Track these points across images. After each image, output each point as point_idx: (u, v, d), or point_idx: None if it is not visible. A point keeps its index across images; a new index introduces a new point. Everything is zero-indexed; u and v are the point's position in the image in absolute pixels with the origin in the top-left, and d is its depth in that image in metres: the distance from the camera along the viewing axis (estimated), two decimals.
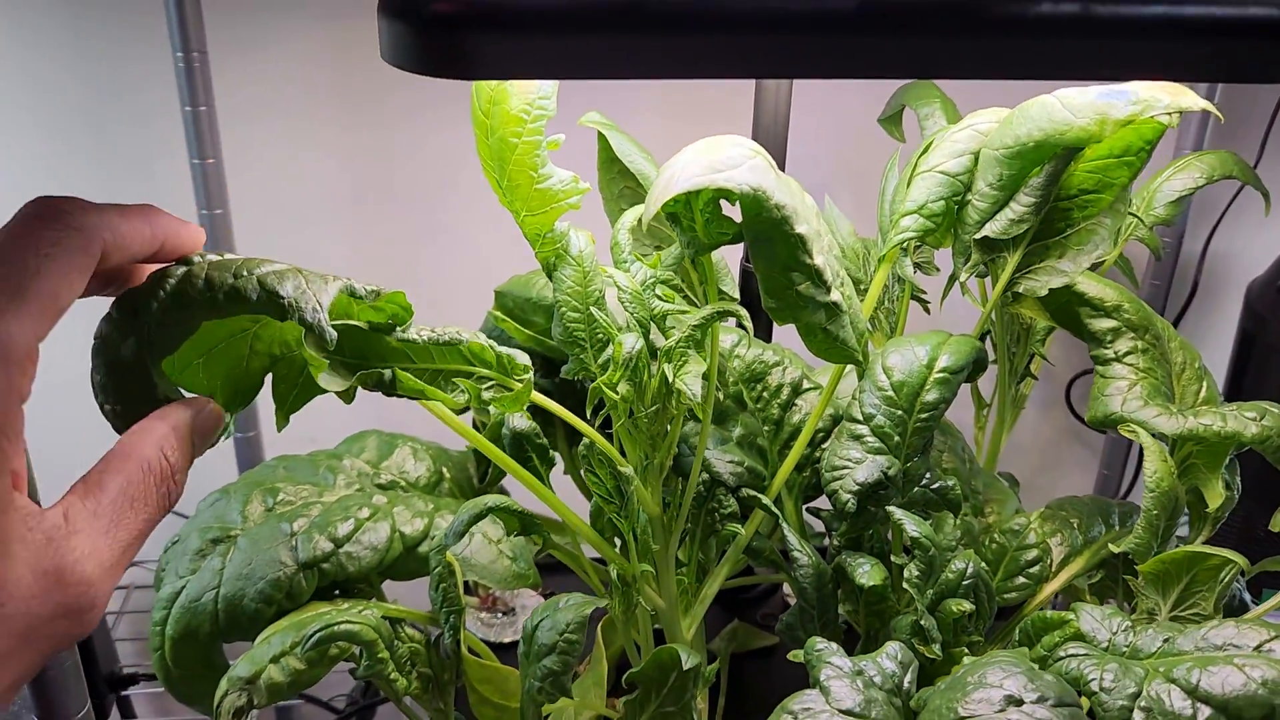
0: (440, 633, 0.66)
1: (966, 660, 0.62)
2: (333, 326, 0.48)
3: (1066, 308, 0.76)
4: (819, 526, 0.77)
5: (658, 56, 0.53)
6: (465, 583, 0.92)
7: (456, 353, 0.56)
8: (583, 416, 0.79)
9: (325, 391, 0.53)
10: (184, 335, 0.48)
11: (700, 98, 1.04)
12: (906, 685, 0.59)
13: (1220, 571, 0.68)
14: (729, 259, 0.79)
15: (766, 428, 0.75)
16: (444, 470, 0.78)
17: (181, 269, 0.47)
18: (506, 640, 0.88)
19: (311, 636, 0.61)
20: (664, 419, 0.64)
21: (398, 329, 0.53)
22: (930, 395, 0.69)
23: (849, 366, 0.73)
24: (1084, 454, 1.30)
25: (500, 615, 0.91)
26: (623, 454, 0.64)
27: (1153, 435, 0.71)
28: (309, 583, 0.67)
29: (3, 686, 0.38)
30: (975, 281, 0.88)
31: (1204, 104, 0.59)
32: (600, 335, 0.64)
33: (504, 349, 0.58)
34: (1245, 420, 0.70)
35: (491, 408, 0.57)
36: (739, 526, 0.69)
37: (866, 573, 0.67)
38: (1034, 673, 0.55)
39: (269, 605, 0.66)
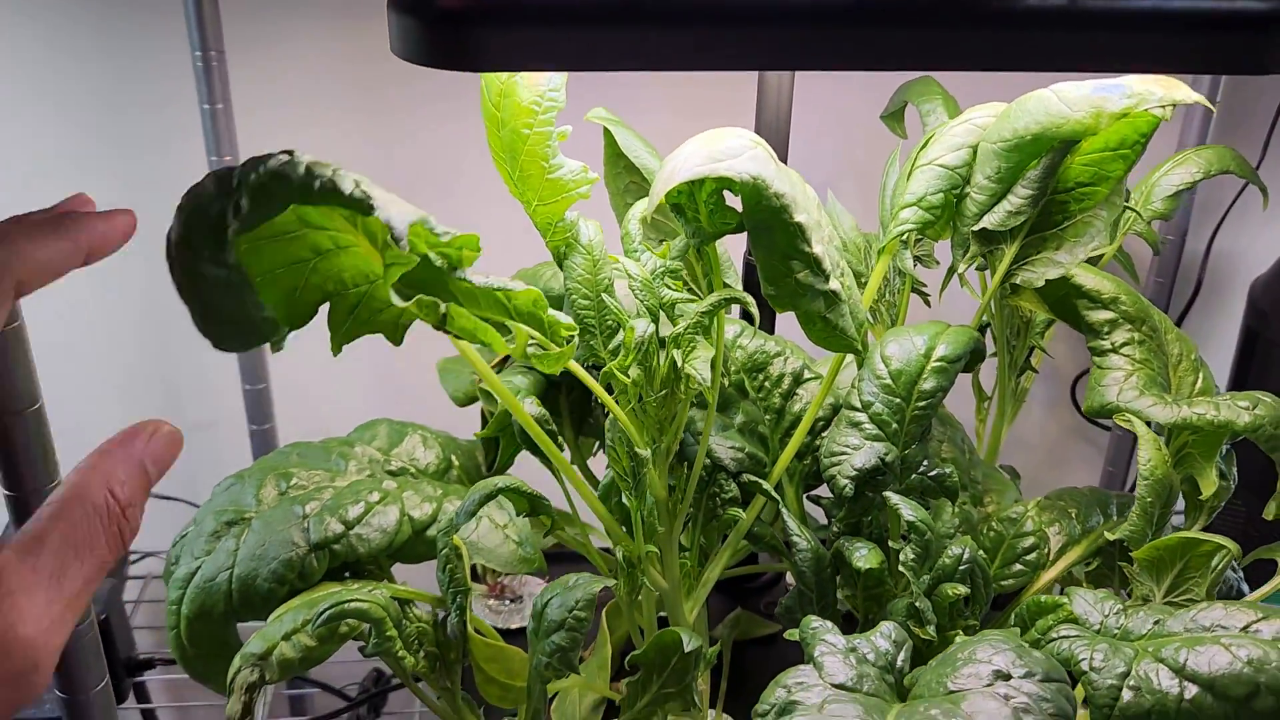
0: (447, 613, 0.68)
1: (959, 640, 0.63)
2: (412, 257, 0.50)
3: (1065, 300, 0.78)
4: (824, 519, 0.79)
5: (660, 49, 0.55)
6: (473, 570, 0.94)
7: (501, 305, 0.57)
8: (582, 414, 0.81)
9: (374, 330, 0.56)
10: (267, 216, 0.49)
11: (705, 94, 1.06)
12: (900, 663, 0.60)
13: (1212, 557, 0.69)
14: (733, 253, 0.80)
15: (768, 416, 0.76)
16: (453, 458, 0.80)
17: (285, 155, 0.50)
18: (514, 626, 0.90)
19: (322, 614, 0.63)
20: (672, 404, 0.66)
21: (459, 269, 0.55)
22: (927, 384, 0.70)
23: (849, 357, 0.75)
24: (1089, 451, 1.31)
25: (508, 602, 0.92)
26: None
27: (1148, 425, 0.73)
28: (320, 563, 0.68)
29: None
30: (975, 274, 0.90)
31: (1197, 97, 0.60)
32: (610, 321, 0.65)
33: (554, 313, 0.59)
34: (1238, 409, 0.71)
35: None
36: (740, 511, 0.70)
37: (864, 556, 0.68)
38: (1023, 649, 0.57)
39: (281, 585, 0.68)
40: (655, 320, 0.65)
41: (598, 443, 0.82)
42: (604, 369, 0.63)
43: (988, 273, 0.77)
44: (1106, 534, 0.75)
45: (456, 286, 0.56)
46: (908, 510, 0.67)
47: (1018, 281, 0.72)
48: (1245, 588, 0.80)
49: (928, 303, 0.85)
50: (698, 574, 0.72)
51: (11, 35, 0.99)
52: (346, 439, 0.79)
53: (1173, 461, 0.76)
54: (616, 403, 0.65)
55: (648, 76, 1.04)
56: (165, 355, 1.13)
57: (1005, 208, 0.69)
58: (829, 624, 0.60)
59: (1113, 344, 0.76)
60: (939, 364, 0.70)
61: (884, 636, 0.61)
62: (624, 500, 0.66)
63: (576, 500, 0.74)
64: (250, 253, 0.54)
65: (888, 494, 0.69)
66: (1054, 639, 0.63)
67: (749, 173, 0.58)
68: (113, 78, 1.01)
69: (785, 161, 0.81)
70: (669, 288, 0.66)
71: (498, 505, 0.75)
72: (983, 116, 0.70)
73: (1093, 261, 0.93)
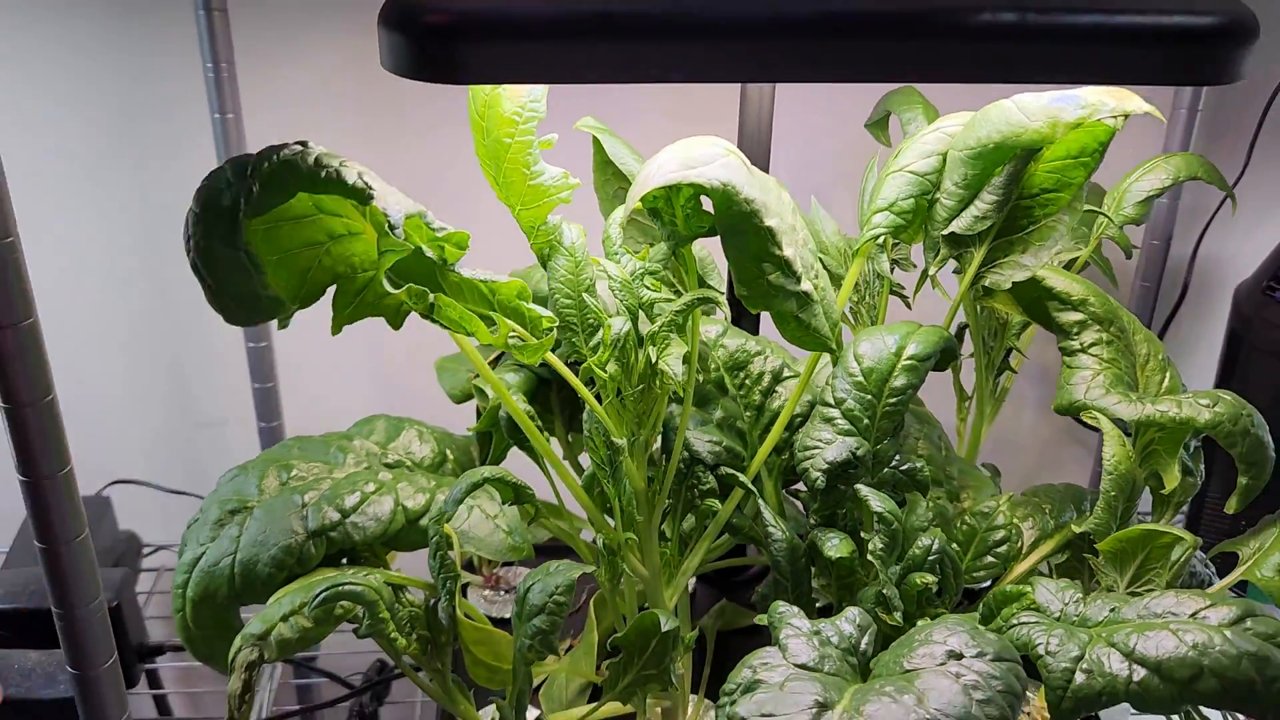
0: (438, 598, 0.71)
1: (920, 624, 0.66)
2: (406, 245, 0.55)
3: (1037, 302, 0.81)
4: (806, 513, 0.82)
5: (632, 62, 0.58)
6: (469, 562, 0.97)
7: (486, 298, 0.62)
8: (573, 411, 0.85)
9: (375, 314, 0.60)
10: (278, 201, 0.54)
11: (698, 99, 1.09)
12: (864, 647, 0.63)
13: (1172, 549, 0.72)
14: (719, 257, 0.84)
15: (748, 413, 0.79)
16: (448, 452, 0.84)
17: (297, 145, 0.54)
18: (508, 616, 0.93)
19: (319, 596, 0.67)
20: (649, 398, 0.69)
21: (449, 263, 0.59)
22: (898, 381, 0.73)
23: (827, 356, 0.78)
24: (1080, 452, 1.34)
25: (503, 593, 0.96)
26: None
27: (1113, 421, 0.75)
28: (318, 550, 0.72)
29: None
30: (954, 277, 0.92)
31: (1147, 107, 0.63)
32: (591, 320, 0.69)
33: (534, 307, 0.63)
34: (1199, 407, 0.74)
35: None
36: (716, 502, 0.73)
37: (835, 546, 0.71)
38: (977, 632, 0.60)
39: (281, 570, 0.71)
40: (634, 319, 0.68)
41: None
42: (583, 365, 0.67)
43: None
44: (1074, 527, 0.77)
45: (446, 278, 0.60)
46: (876, 501, 0.70)
47: (987, 284, 0.75)
48: (1212, 574, 0.83)
49: (908, 305, 0.88)
50: (678, 563, 0.75)
51: (38, 47, 1.03)
52: (346, 433, 0.83)
53: (1140, 458, 0.78)
54: (597, 397, 0.68)
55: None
56: (179, 356, 1.18)
57: (972, 213, 0.72)
58: (795, 609, 0.63)
59: (1081, 344, 0.79)
60: (909, 362, 0.73)
61: (849, 621, 0.64)
62: (605, 490, 0.69)
63: (565, 494, 0.77)
64: (268, 234, 0.59)
65: (859, 487, 0.72)
66: (1014, 625, 0.66)
67: (720, 179, 0.61)
68: (130, 88, 1.05)
69: (768, 169, 0.84)
70: (648, 288, 0.69)
71: (489, 497, 0.79)
72: (952, 125, 0.73)
73: (1069, 266, 0.96)
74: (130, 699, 0.83)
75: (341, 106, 1.07)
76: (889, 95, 0.95)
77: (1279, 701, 0.59)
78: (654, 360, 0.66)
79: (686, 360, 0.68)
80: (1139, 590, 0.74)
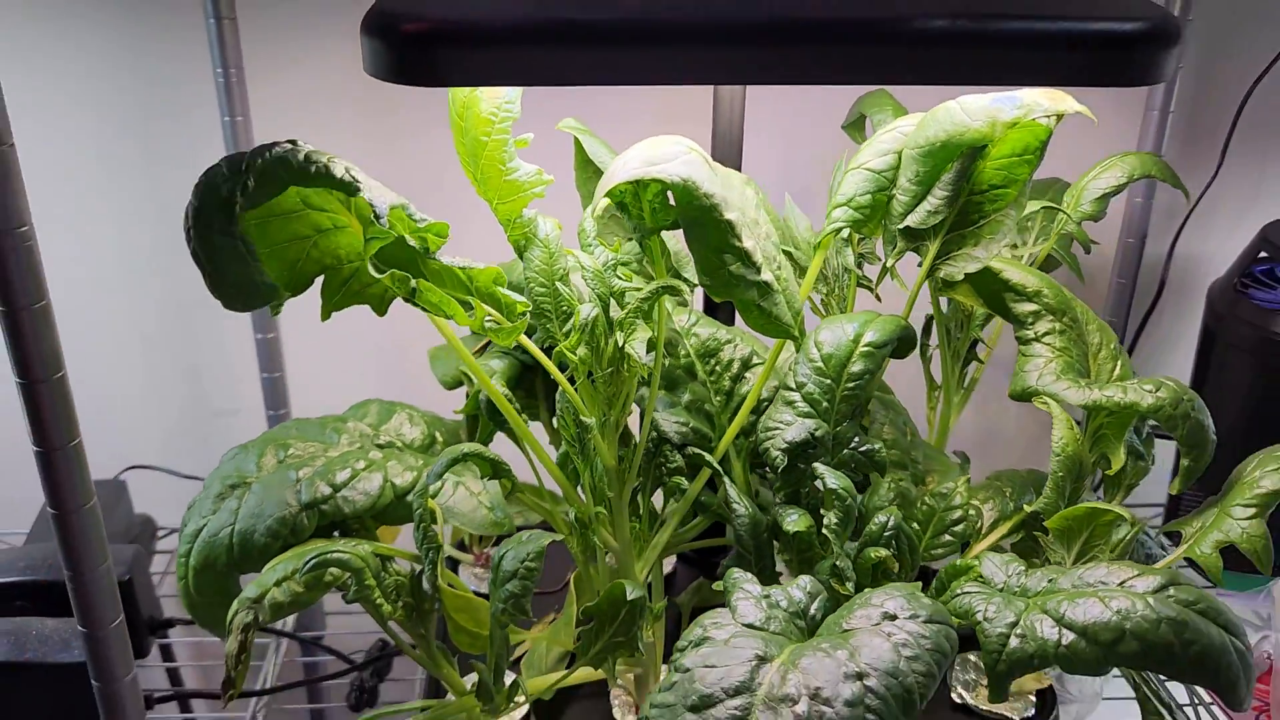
0: (423, 568, 0.76)
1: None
2: (390, 234, 0.60)
3: (996, 294, 0.85)
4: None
5: (598, 67, 0.63)
6: (461, 542, 1.02)
7: (464, 283, 0.67)
8: (555, 396, 0.89)
9: (361, 301, 0.65)
10: (271, 194, 0.60)
11: (680, 105, 1.14)
12: (813, 612, 0.67)
13: (1114, 526, 0.76)
14: None
15: (718, 398, 0.84)
16: (437, 434, 0.89)
17: (288, 144, 0.60)
18: None
19: (309, 562, 0.72)
20: (618, 381, 0.74)
21: (430, 251, 0.65)
22: (856, 366, 0.77)
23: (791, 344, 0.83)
24: None
25: None
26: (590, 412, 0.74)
27: (1063, 407, 0.79)
28: (310, 521, 0.77)
29: None
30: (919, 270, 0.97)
31: (1079, 107, 0.67)
32: (564, 307, 0.74)
33: (509, 292, 0.68)
34: (1143, 392, 0.78)
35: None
36: (683, 479, 0.78)
37: (794, 521, 0.76)
38: (913, 597, 0.64)
39: (276, 540, 0.77)
40: (605, 307, 0.73)
41: None
42: (556, 349, 0.72)
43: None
44: (1026, 507, 0.81)
45: (427, 266, 0.65)
46: (831, 479, 0.75)
47: (941, 275, 0.79)
48: (1162, 550, 0.86)
49: (877, 297, 0.92)
50: (648, 537, 0.79)
51: (61, 52, 1.09)
52: (341, 416, 0.88)
53: (1090, 442, 0.82)
54: (570, 380, 0.73)
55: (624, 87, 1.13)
56: (192, 349, 1.23)
57: (925, 208, 0.76)
58: (749, 575, 0.68)
59: (1035, 333, 0.83)
60: (867, 349, 0.78)
61: (799, 588, 0.68)
62: (577, 467, 0.74)
63: (546, 476, 0.82)
64: (260, 228, 0.64)
65: (816, 465, 0.76)
66: (958, 595, 0.71)
67: (680, 175, 0.66)
68: (146, 92, 1.11)
69: (740, 168, 0.89)
70: (619, 278, 0.74)
71: (474, 475, 0.84)
72: (907, 125, 0.77)
73: (1046, 266, 1.00)
74: (143, 671, 0.88)
75: (344, 109, 1.13)
76: (862, 99, 0.99)
77: (1196, 663, 0.63)
78: (621, 344, 0.71)
79: (652, 345, 0.73)
80: (1084, 565, 0.78)
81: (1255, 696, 1.05)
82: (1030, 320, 0.83)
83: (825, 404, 0.77)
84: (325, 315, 0.67)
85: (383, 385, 1.23)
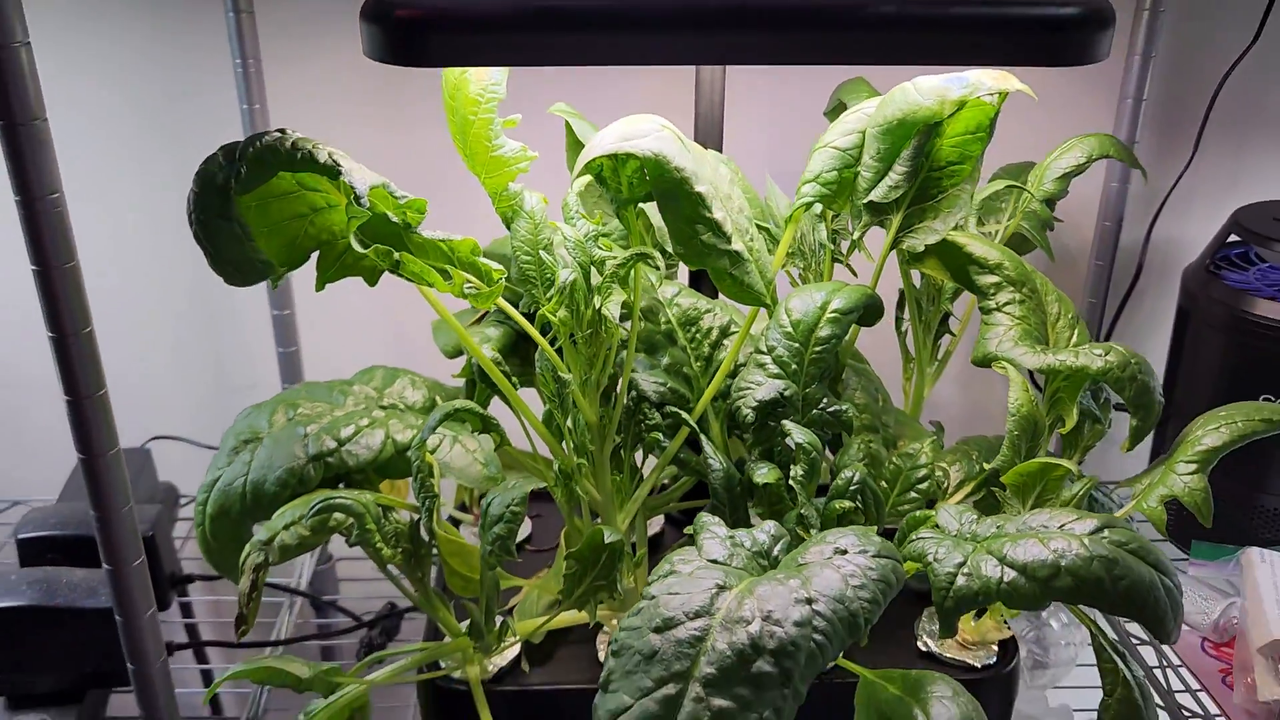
0: (420, 517, 0.82)
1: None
2: (368, 212, 0.66)
3: (961, 267, 0.90)
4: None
5: (573, 49, 0.70)
6: (462, 504, 1.08)
7: (445, 254, 0.73)
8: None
9: (354, 274, 0.72)
10: (262, 180, 0.66)
11: (668, 90, 1.19)
12: (775, 552, 0.73)
13: (1064, 481, 0.81)
14: None
15: (698, 363, 0.89)
16: (437, 398, 0.95)
17: (277, 132, 0.66)
18: None
19: (315, 507, 0.78)
20: (597, 342, 0.80)
21: (412, 226, 0.71)
22: (823, 331, 0.83)
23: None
24: None
25: None
26: (568, 370, 0.80)
27: (1022, 372, 0.85)
28: (317, 473, 0.83)
29: None
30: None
31: (1020, 86, 0.73)
32: (548, 275, 0.80)
33: (487, 260, 0.74)
34: (1093, 356, 0.83)
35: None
36: (660, 435, 0.84)
37: (764, 473, 0.81)
38: (865, 535, 0.69)
39: (285, 489, 0.83)
40: (586, 274, 0.79)
41: None
42: (539, 313, 0.78)
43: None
44: (984, 465, 0.86)
45: (410, 240, 0.71)
46: (798, 434, 0.80)
47: (904, 247, 0.85)
48: (1113, 505, 0.91)
49: (852, 270, 0.98)
50: (629, 489, 0.85)
51: (92, 45, 1.17)
52: (348, 380, 0.94)
53: (1048, 405, 0.88)
54: (554, 342, 0.79)
55: (617, 73, 1.19)
56: (211, 328, 1.31)
57: (887, 183, 0.82)
58: (717, 519, 0.74)
59: (997, 304, 0.88)
60: (834, 315, 0.83)
61: (763, 531, 0.74)
62: (559, 423, 0.80)
63: (538, 440, 0.88)
64: (260, 209, 0.70)
65: (784, 422, 0.81)
66: (913, 540, 0.76)
67: (652, 150, 0.72)
68: (170, 81, 1.18)
69: (721, 147, 0.95)
70: (599, 248, 0.80)
71: (470, 435, 0.90)
72: (871, 106, 0.83)
73: (1022, 249, 1.05)
74: (164, 626, 0.94)
75: (355, 98, 1.19)
76: (841, 86, 1.05)
77: (1125, 597, 0.68)
78: (599, 308, 0.77)
79: (627, 308, 0.79)
80: None
81: (1221, 659, 1.10)
82: (992, 291, 0.88)
83: (794, 366, 0.83)
84: (319, 286, 0.73)
85: (391, 359, 1.29)
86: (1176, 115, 1.24)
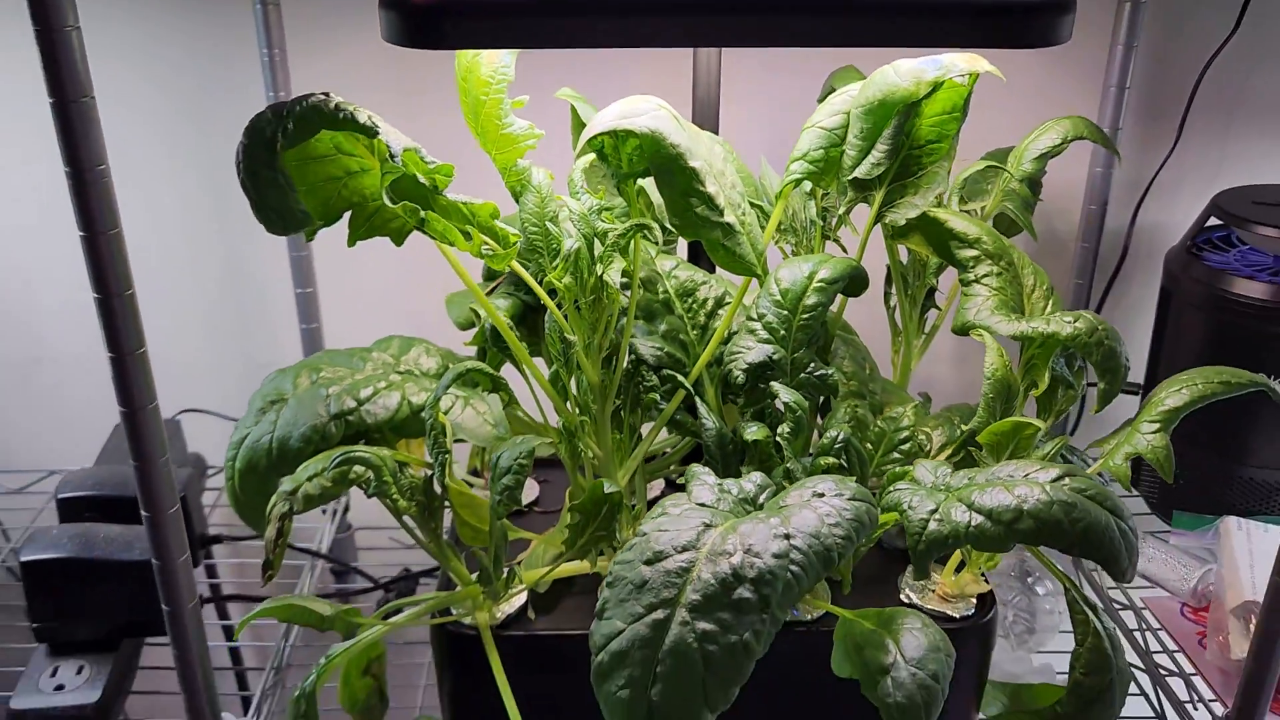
0: (433, 472, 0.89)
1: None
2: (401, 169, 0.73)
3: (943, 241, 0.96)
4: None
5: (581, 32, 0.75)
6: (474, 468, 1.14)
7: (466, 216, 0.79)
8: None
9: (383, 234, 0.78)
10: (306, 135, 0.73)
11: (672, 74, 1.25)
12: (761, 500, 0.79)
13: (1035, 440, 0.86)
14: None
15: (694, 331, 0.95)
16: (450, 365, 1.01)
17: (322, 94, 0.73)
18: None
19: (336, 460, 0.84)
20: (599, 308, 0.86)
21: (439, 188, 0.77)
22: (810, 300, 0.89)
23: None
24: None
25: None
26: (573, 333, 0.86)
27: (997, 339, 0.90)
28: (338, 430, 0.90)
29: None
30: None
31: (989, 67, 0.78)
32: (554, 245, 0.86)
33: (503, 224, 0.80)
34: (1063, 323, 0.88)
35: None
36: (657, 396, 0.90)
37: (754, 431, 0.87)
38: (842, 481, 0.75)
39: (308, 445, 0.89)
40: (589, 245, 0.85)
41: None
42: (545, 279, 0.84)
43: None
44: (961, 427, 0.92)
45: (435, 201, 0.78)
46: (785, 394, 0.86)
47: (887, 221, 0.90)
48: (1082, 465, 0.97)
49: (841, 245, 1.04)
50: (629, 447, 0.91)
51: (129, 36, 1.24)
52: (366, 348, 1.00)
53: (1023, 371, 0.93)
54: (559, 307, 0.85)
55: (624, 57, 1.25)
56: (238, 306, 1.37)
57: (870, 160, 0.88)
58: (707, 469, 0.79)
59: (975, 276, 0.93)
60: (820, 284, 0.89)
61: (751, 481, 0.79)
62: (564, 383, 0.86)
63: (549, 410, 0.94)
64: (299, 169, 0.77)
65: (773, 384, 0.87)
66: (891, 492, 0.82)
67: (649, 127, 0.78)
68: (203, 69, 1.25)
69: (717, 129, 1.01)
70: (602, 221, 0.86)
71: (481, 399, 0.96)
72: (855, 89, 0.88)
73: (1001, 226, 1.11)
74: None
75: (376, 86, 1.26)
76: (834, 74, 1.10)
77: (1082, 538, 0.73)
78: (601, 274, 0.83)
79: (628, 277, 0.85)
80: None
81: (1198, 623, 1.15)
82: (971, 264, 0.94)
83: (783, 332, 0.89)
84: (351, 242, 0.79)
85: (405, 333, 1.36)
86: (1160, 103, 1.29)
